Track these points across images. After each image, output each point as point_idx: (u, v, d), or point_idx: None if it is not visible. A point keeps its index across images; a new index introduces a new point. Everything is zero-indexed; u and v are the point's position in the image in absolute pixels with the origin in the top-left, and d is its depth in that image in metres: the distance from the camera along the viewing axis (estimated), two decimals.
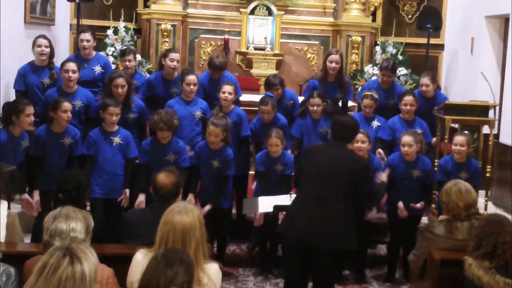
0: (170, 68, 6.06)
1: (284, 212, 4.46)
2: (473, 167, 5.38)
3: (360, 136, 5.19)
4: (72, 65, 5.58)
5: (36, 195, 5.03)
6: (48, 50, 5.92)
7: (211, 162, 5.21)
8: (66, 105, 5.09)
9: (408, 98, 5.82)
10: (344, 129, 4.25)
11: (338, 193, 4.06)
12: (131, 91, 5.61)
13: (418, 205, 5.21)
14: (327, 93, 6.13)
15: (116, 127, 5.21)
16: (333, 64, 6.20)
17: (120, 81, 5.47)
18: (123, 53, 6.33)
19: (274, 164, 5.32)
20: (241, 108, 5.89)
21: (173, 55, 6.12)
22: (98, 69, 6.17)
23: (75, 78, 5.60)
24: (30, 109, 4.91)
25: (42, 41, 5.93)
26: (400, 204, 5.21)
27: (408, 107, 5.79)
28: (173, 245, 2.86)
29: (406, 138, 5.23)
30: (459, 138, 5.33)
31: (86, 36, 6.16)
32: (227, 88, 5.63)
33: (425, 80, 6.29)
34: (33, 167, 5.09)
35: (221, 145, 5.22)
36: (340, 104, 6.40)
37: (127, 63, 6.16)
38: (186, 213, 2.93)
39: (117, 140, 5.15)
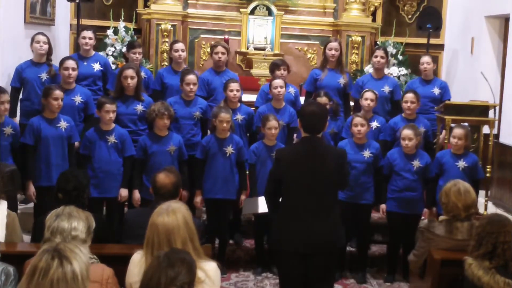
0: (176, 58, 6.23)
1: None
2: (471, 159, 5.37)
3: (359, 120, 5.28)
4: (72, 63, 5.65)
5: (31, 186, 5.12)
6: (46, 46, 6.00)
7: (224, 150, 5.29)
8: (57, 93, 5.16)
9: (409, 95, 5.83)
10: (312, 120, 3.97)
11: (329, 194, 3.93)
12: (140, 84, 5.66)
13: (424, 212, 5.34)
14: (328, 80, 6.18)
15: (112, 126, 5.23)
16: (332, 51, 6.26)
17: (130, 72, 5.51)
18: (132, 46, 6.40)
19: (271, 151, 5.21)
20: None
21: (177, 46, 6.28)
22: (97, 66, 6.24)
23: (75, 75, 5.68)
24: (4, 97, 5.00)
25: (40, 37, 5.99)
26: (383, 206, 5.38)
27: (408, 104, 5.78)
28: (159, 246, 2.86)
29: (406, 132, 5.26)
30: (457, 131, 5.34)
31: (89, 34, 6.26)
32: (235, 86, 5.70)
33: (426, 58, 6.54)
34: (25, 158, 5.13)
35: (228, 133, 5.33)
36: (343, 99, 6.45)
37: (137, 55, 6.23)
38: (168, 214, 2.93)
39: (112, 139, 5.17)
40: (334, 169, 3.93)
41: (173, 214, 2.93)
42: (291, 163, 3.94)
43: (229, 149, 5.31)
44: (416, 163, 5.28)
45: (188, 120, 5.66)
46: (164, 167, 4.77)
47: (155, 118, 5.19)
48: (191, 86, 5.65)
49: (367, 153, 5.30)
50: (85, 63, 6.18)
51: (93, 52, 6.39)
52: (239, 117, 5.72)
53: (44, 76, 5.95)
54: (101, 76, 6.25)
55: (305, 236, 3.86)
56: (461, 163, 5.29)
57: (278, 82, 5.80)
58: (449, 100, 6.46)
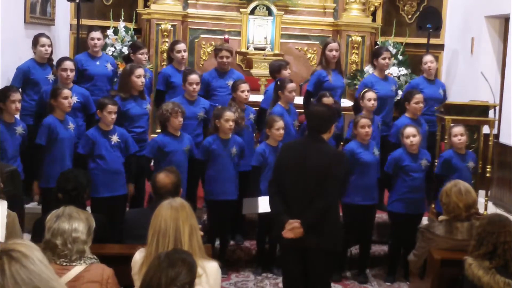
0: (179, 59, 6.22)
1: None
2: (473, 156, 5.50)
3: (366, 121, 5.29)
4: (69, 64, 5.65)
5: (36, 185, 5.19)
6: (50, 49, 6.05)
7: (230, 150, 5.29)
8: (66, 91, 5.20)
9: (420, 96, 5.84)
10: (319, 120, 4.06)
11: (323, 193, 3.93)
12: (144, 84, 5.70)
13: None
14: (335, 81, 6.17)
15: (112, 126, 5.23)
16: (333, 52, 6.23)
17: (141, 71, 5.59)
18: (138, 47, 6.44)
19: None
20: None
21: (179, 46, 6.27)
22: (109, 66, 6.33)
23: (72, 76, 5.69)
24: (16, 96, 5.06)
25: (45, 40, 6.02)
26: None
27: (420, 105, 5.79)
28: (166, 232, 2.87)
29: (410, 129, 5.29)
30: (457, 129, 5.36)
31: (97, 34, 6.33)
32: (246, 87, 5.70)
33: (429, 57, 6.51)
34: (37, 158, 5.18)
35: (231, 134, 5.33)
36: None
37: (144, 55, 6.29)
38: (175, 200, 2.99)
39: (115, 138, 5.18)
40: (327, 169, 3.93)
41: (176, 204, 2.97)
42: (288, 156, 4.01)
43: (234, 150, 5.30)
44: (424, 162, 5.32)
45: (192, 120, 5.66)
46: (180, 166, 4.83)
47: (170, 118, 5.15)
48: (194, 86, 5.66)
49: (376, 152, 5.35)
50: (98, 63, 6.25)
51: (101, 53, 6.44)
52: (251, 116, 5.76)
53: (51, 77, 5.97)
54: (112, 76, 6.29)
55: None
56: (471, 163, 5.37)
57: (294, 86, 5.79)
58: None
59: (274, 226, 4.13)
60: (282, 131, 5.28)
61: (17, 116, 5.41)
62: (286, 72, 6.10)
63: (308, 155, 3.97)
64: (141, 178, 5.44)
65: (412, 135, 5.25)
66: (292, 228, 3.90)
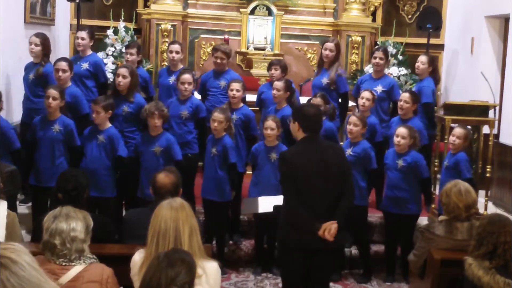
0: (170, 60, 6.28)
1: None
2: (457, 158, 5.32)
3: (353, 119, 5.30)
4: (62, 64, 5.63)
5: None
6: (38, 48, 5.94)
7: (211, 150, 5.34)
8: (49, 92, 5.20)
9: (402, 95, 5.84)
10: (311, 120, 3.97)
11: (334, 191, 3.92)
12: (134, 85, 5.61)
13: None
14: (316, 80, 6.22)
15: (106, 125, 5.23)
16: (327, 52, 6.23)
17: (122, 71, 5.53)
18: (127, 46, 6.53)
19: (269, 152, 5.32)
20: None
21: (172, 47, 6.33)
22: (84, 65, 6.16)
23: (65, 77, 5.62)
24: None
25: (33, 39, 5.99)
26: None
27: (401, 103, 5.77)
28: (166, 233, 2.86)
29: (400, 130, 5.28)
30: (456, 130, 5.39)
31: (82, 34, 6.25)
32: (235, 86, 5.68)
33: (421, 57, 6.51)
34: (25, 155, 5.25)
35: (223, 134, 5.32)
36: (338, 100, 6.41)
37: (128, 56, 6.28)
38: (175, 200, 2.98)
39: (100, 138, 5.19)
40: (338, 164, 3.94)
41: (180, 202, 2.97)
42: (300, 163, 3.90)
43: (213, 150, 5.32)
44: (400, 162, 5.25)
45: (176, 119, 5.66)
46: (147, 167, 4.98)
47: (147, 118, 5.21)
48: (186, 86, 5.65)
49: (348, 151, 5.28)
50: (78, 63, 6.17)
51: (89, 52, 6.34)
52: (234, 117, 5.70)
53: (31, 77, 5.93)
54: (89, 76, 6.17)
55: (313, 233, 3.85)
56: (445, 164, 5.36)
57: (276, 84, 5.76)
58: (427, 103, 6.22)
59: (289, 231, 3.99)
60: (269, 131, 5.25)
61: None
62: (270, 73, 6.12)
63: (325, 157, 3.92)
64: (133, 177, 5.37)
65: (401, 135, 5.23)
66: (332, 230, 3.83)
